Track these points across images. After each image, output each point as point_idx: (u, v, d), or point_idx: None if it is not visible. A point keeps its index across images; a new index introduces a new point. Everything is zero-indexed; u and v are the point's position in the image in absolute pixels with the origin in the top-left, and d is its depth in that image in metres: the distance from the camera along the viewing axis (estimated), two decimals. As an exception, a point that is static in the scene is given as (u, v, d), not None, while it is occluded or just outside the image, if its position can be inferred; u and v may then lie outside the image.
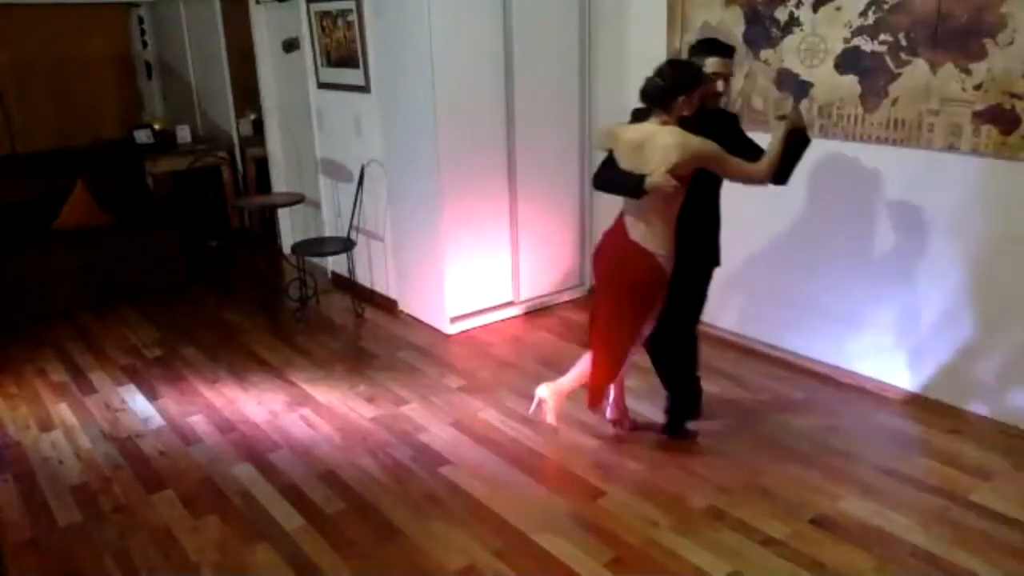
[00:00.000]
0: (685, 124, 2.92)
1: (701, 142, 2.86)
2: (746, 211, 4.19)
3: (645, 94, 2.97)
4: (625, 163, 2.96)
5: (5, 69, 6.34)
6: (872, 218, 3.65)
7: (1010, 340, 3.31)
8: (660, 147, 2.87)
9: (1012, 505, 2.91)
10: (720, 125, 3.07)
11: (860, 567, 2.63)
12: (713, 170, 2.95)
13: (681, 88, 2.90)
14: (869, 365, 3.78)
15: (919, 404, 3.62)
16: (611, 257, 3.14)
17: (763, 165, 2.95)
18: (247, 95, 6.37)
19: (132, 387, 4.15)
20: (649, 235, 2.98)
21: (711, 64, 3.02)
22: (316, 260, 5.59)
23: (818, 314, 3.93)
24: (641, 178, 2.85)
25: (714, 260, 3.27)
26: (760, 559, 2.68)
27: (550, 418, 3.41)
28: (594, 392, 3.28)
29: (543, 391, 3.42)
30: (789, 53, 3.81)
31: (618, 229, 3.09)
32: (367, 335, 4.76)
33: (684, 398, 3.43)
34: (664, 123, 2.93)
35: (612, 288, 3.14)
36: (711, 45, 3.09)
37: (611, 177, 3.02)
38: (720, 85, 3.07)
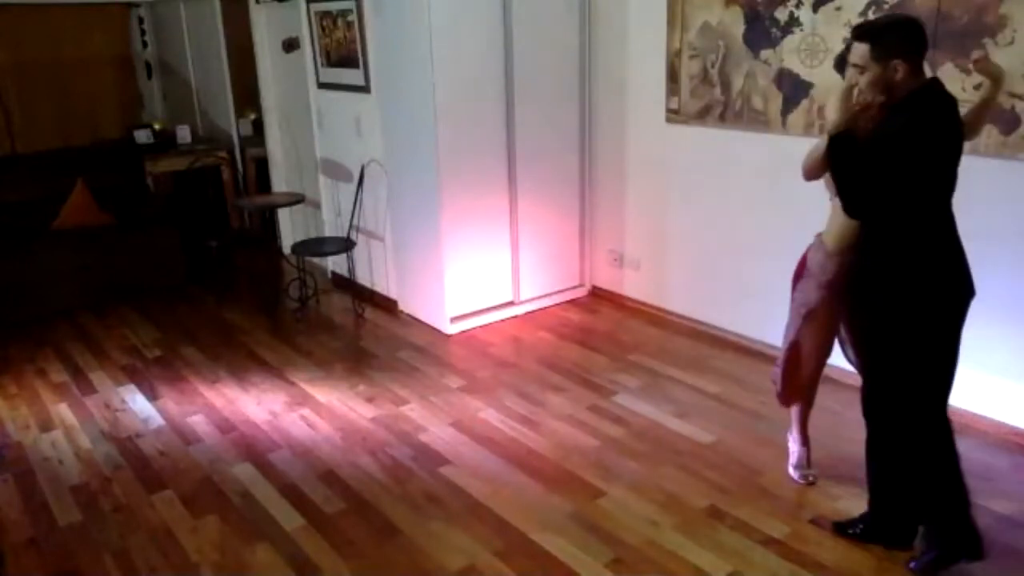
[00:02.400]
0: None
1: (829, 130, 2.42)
2: (744, 211, 4.20)
3: None
4: None
5: (5, 69, 6.34)
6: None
7: (1010, 339, 3.31)
8: None
9: (1012, 505, 2.91)
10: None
11: (860, 567, 2.63)
12: None
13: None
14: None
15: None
16: None
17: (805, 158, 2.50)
18: (247, 95, 6.37)
19: (132, 387, 4.15)
20: (828, 220, 2.72)
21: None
22: (316, 260, 5.59)
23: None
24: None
25: (958, 288, 2.38)
26: (760, 559, 2.68)
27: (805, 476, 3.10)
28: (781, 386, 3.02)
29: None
30: (789, 53, 3.81)
31: None
32: (367, 335, 4.76)
33: (943, 525, 2.52)
34: None
35: None
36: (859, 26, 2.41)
37: None
38: (854, 75, 2.34)
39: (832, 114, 2.34)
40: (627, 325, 4.71)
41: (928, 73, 3.29)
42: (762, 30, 3.90)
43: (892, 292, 2.39)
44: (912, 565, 2.59)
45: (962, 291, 2.39)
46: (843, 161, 2.32)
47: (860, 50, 2.32)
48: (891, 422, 2.53)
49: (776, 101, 3.91)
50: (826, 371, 4.02)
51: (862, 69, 2.32)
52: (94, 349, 4.67)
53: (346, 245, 5.02)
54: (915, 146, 2.24)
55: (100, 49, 6.83)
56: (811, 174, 2.50)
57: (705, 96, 4.23)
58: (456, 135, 4.37)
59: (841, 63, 2.46)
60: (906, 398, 2.47)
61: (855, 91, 2.37)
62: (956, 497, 2.49)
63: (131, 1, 6.98)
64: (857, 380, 3.82)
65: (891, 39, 2.28)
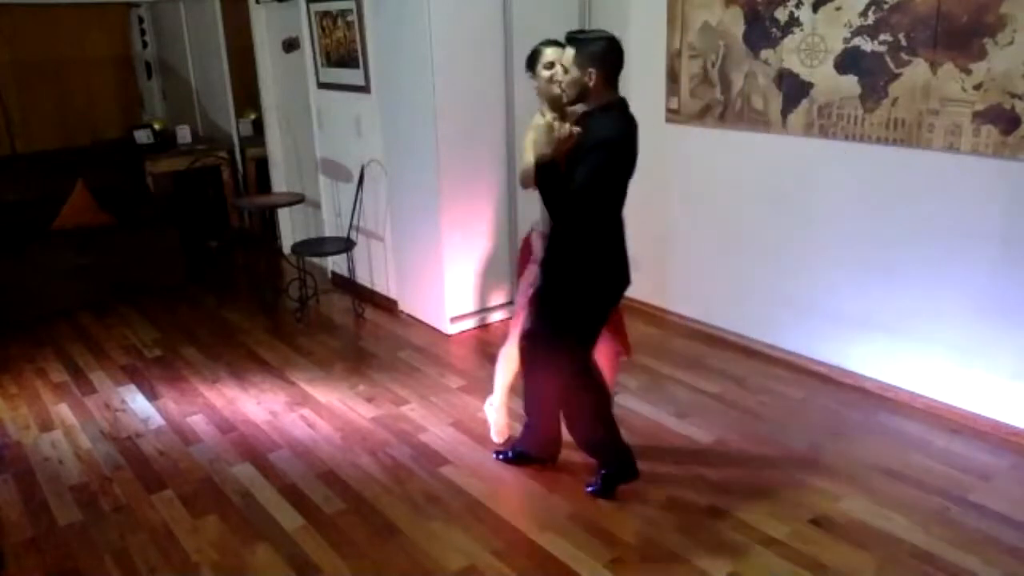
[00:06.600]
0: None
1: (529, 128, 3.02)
2: (744, 212, 4.20)
3: None
4: None
5: (5, 69, 6.34)
6: (872, 219, 3.64)
7: (1010, 340, 3.31)
8: None
9: (1012, 505, 2.91)
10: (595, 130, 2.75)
11: (860, 567, 2.63)
12: None
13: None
14: (869, 365, 3.78)
15: (919, 404, 3.62)
16: None
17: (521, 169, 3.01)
18: (247, 95, 6.38)
19: (132, 387, 4.15)
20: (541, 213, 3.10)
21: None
22: (316, 260, 5.59)
23: (818, 314, 3.93)
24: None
25: (622, 281, 2.96)
26: (760, 559, 2.68)
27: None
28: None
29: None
30: (789, 53, 3.81)
31: None
32: (367, 335, 4.76)
33: (607, 452, 3.07)
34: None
35: None
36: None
37: None
38: (549, 72, 2.98)
39: (542, 147, 2.77)
40: (627, 325, 4.69)
41: (929, 72, 3.33)
42: (762, 30, 3.90)
43: (574, 276, 2.87)
44: (589, 489, 3.04)
45: (623, 283, 2.95)
46: (548, 184, 2.75)
47: (568, 53, 2.75)
48: (544, 360, 2.98)
49: (776, 101, 3.91)
50: (817, 367, 4.07)
51: (566, 69, 2.75)
52: (94, 349, 4.67)
53: (346, 245, 5.02)
54: (625, 152, 2.80)
55: (100, 49, 6.83)
56: (526, 185, 2.93)
57: (705, 96, 4.23)
58: (456, 135, 4.37)
59: (532, 62, 3.05)
60: (561, 343, 2.92)
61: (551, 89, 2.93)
62: (612, 427, 3.03)
63: (131, 1, 6.98)
64: (851, 378, 3.83)
65: (593, 49, 2.70)
